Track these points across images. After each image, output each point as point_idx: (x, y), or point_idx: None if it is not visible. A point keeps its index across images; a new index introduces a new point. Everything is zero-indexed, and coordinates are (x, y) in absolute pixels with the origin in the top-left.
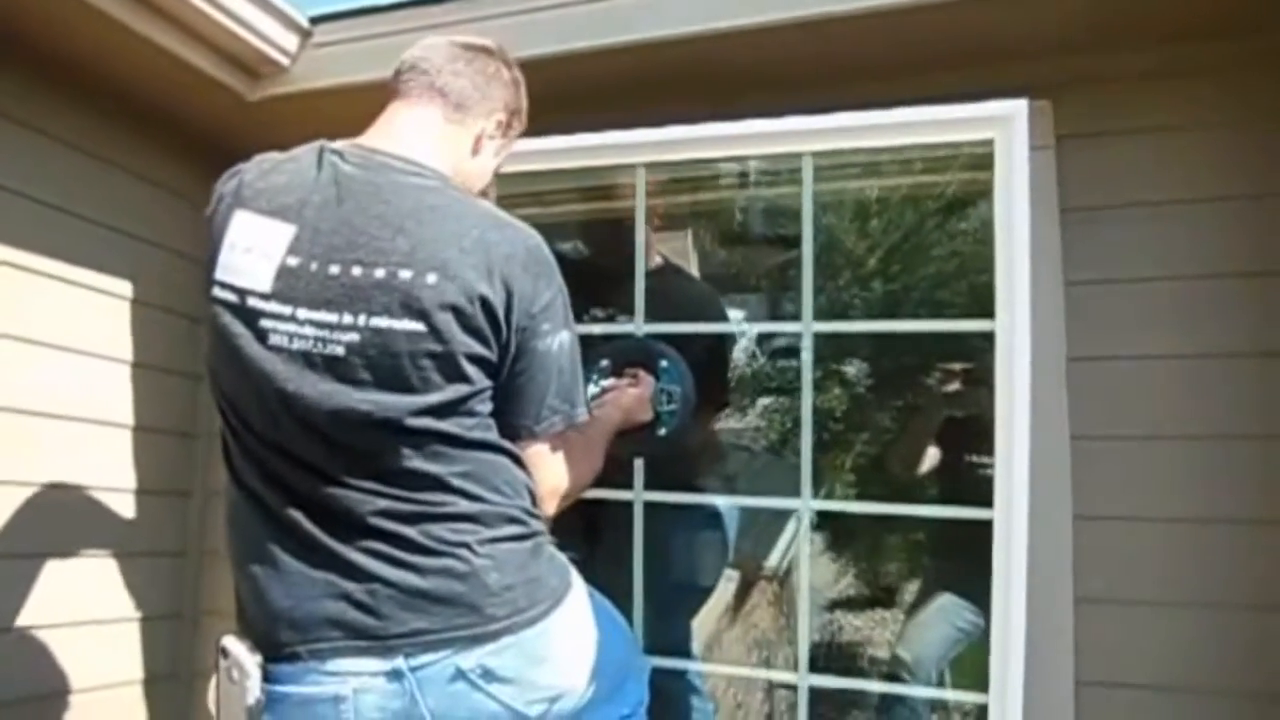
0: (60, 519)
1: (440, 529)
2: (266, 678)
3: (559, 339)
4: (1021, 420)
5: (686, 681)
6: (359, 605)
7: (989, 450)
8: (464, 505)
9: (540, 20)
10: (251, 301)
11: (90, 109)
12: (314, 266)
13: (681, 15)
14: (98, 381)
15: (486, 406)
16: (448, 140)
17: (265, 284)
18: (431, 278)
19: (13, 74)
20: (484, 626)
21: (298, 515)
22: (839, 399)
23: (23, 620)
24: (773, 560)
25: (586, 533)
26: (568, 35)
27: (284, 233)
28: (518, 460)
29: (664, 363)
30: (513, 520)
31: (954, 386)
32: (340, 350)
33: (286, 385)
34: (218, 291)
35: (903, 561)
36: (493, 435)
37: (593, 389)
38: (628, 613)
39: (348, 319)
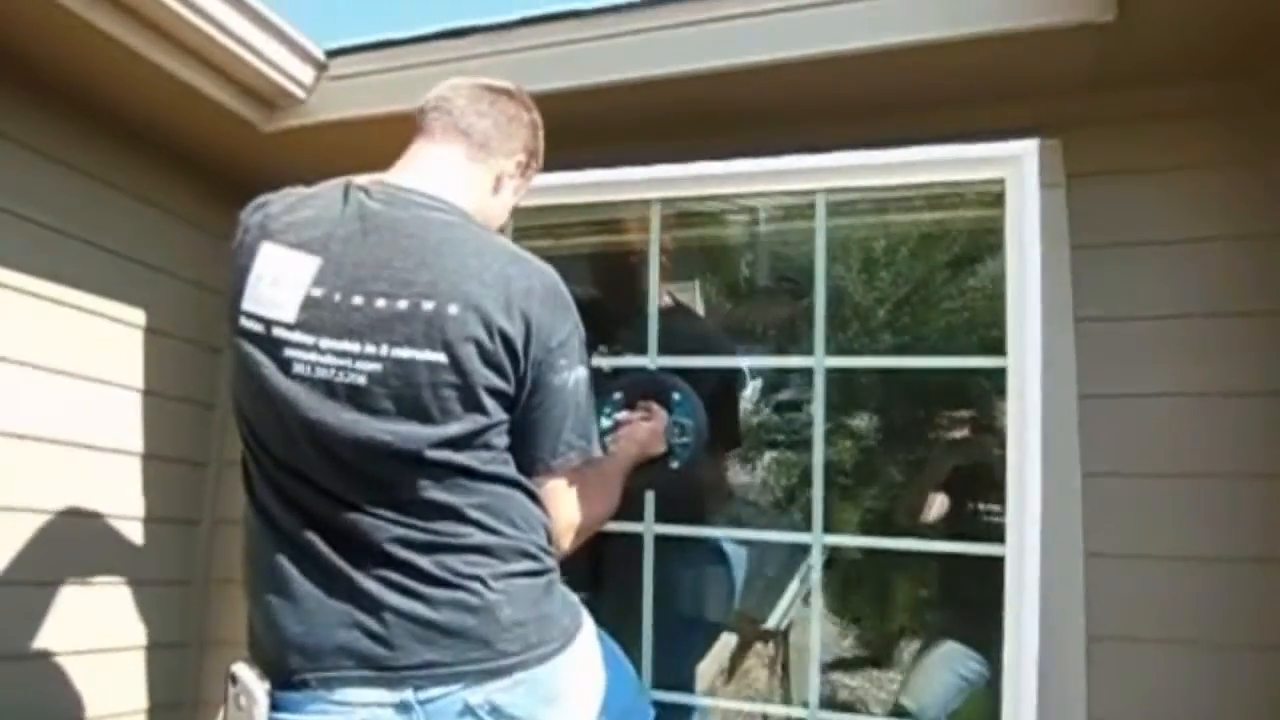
0: (69, 546)
1: (454, 560)
2: (275, 706)
3: (575, 374)
4: (1033, 455)
5: None
6: (371, 635)
7: (996, 497)
8: (479, 537)
9: (555, 55)
10: (277, 332)
11: (107, 139)
12: (338, 298)
13: (692, 52)
14: (109, 409)
15: (503, 440)
16: (470, 179)
17: (290, 315)
18: (454, 309)
19: (30, 104)
20: (495, 661)
21: (314, 539)
22: (848, 451)
23: (31, 647)
24: (771, 621)
25: (593, 570)
26: (580, 71)
27: (310, 265)
28: (533, 496)
29: (676, 395)
30: (527, 555)
31: (961, 434)
32: (362, 380)
33: (309, 414)
34: (244, 322)
35: (904, 619)
36: (509, 470)
37: (606, 422)
38: (636, 647)
39: (370, 349)
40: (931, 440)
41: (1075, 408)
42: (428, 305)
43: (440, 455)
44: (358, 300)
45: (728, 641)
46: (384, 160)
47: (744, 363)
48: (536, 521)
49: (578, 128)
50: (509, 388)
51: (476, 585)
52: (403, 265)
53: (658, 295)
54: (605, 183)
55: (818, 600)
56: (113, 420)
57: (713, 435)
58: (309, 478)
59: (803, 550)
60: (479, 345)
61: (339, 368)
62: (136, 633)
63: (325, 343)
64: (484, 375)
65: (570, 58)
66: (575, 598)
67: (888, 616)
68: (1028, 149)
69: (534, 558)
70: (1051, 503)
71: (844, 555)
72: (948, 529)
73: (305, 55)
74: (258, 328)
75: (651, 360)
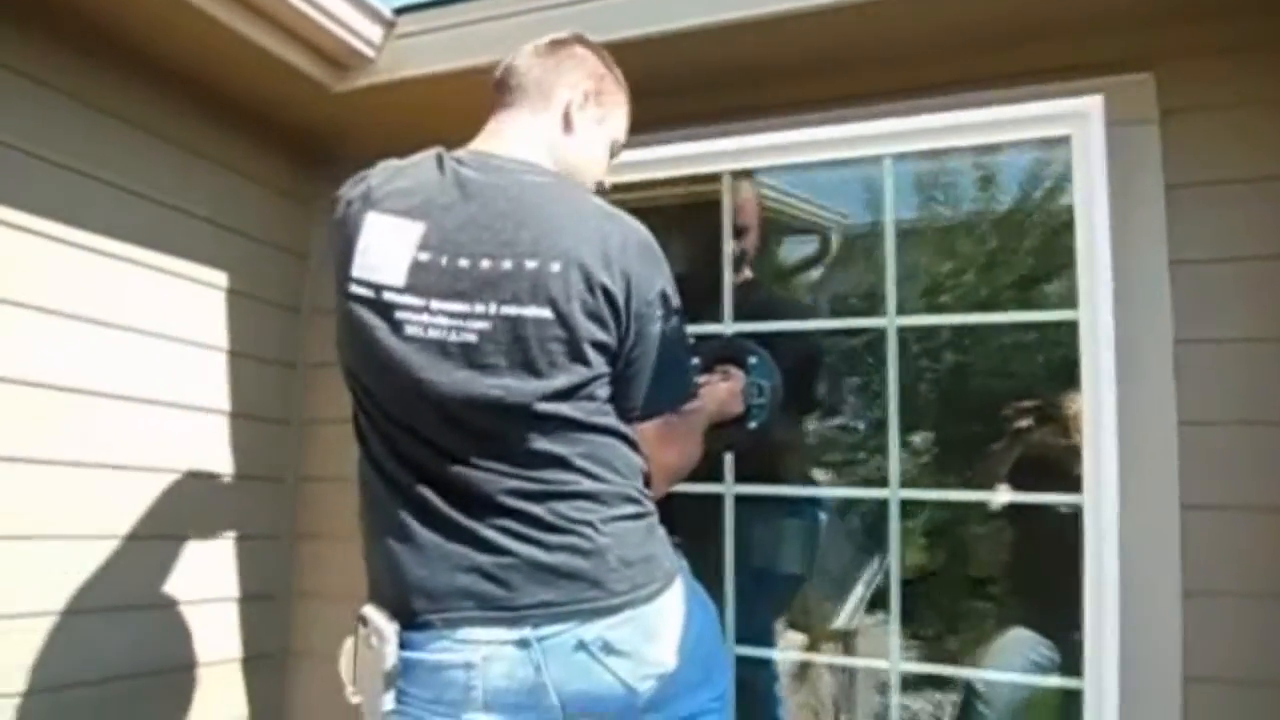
0: (161, 503)
1: (565, 507)
2: (402, 645)
3: (671, 324)
4: (1108, 405)
5: (770, 671)
6: (490, 577)
7: (1064, 486)
8: (586, 484)
9: (627, 2)
10: (387, 296)
11: (184, 103)
12: (444, 261)
13: None
14: (197, 368)
15: (605, 391)
16: (540, 130)
17: (400, 279)
18: (556, 266)
19: (112, 71)
20: (606, 600)
21: (429, 493)
22: (911, 468)
23: (135, 598)
24: (839, 622)
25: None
26: (645, 19)
27: (414, 230)
28: (633, 445)
29: (753, 359)
30: (630, 500)
31: (1025, 423)
32: (473, 338)
33: (422, 373)
34: (354, 288)
35: (969, 630)
36: (611, 419)
37: None
38: (718, 602)
39: (479, 308)
40: (995, 444)
41: (1170, 354)
42: (531, 264)
43: (548, 407)
44: (464, 263)
45: (795, 640)
46: (455, 116)
47: (815, 325)
48: (637, 468)
49: (648, 84)
50: (611, 340)
51: (587, 530)
52: (503, 227)
53: (739, 269)
54: (676, 157)
55: (896, 555)
56: (200, 380)
57: (791, 400)
58: (422, 434)
59: (868, 552)
60: (581, 300)
61: (451, 327)
62: (229, 585)
63: (435, 304)
64: (587, 329)
65: (635, 5)
66: (670, 541)
67: (952, 626)
68: (1093, 105)
69: (637, 502)
70: (1144, 453)
71: (913, 563)
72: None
73: (374, 14)
74: (368, 293)
75: (727, 327)
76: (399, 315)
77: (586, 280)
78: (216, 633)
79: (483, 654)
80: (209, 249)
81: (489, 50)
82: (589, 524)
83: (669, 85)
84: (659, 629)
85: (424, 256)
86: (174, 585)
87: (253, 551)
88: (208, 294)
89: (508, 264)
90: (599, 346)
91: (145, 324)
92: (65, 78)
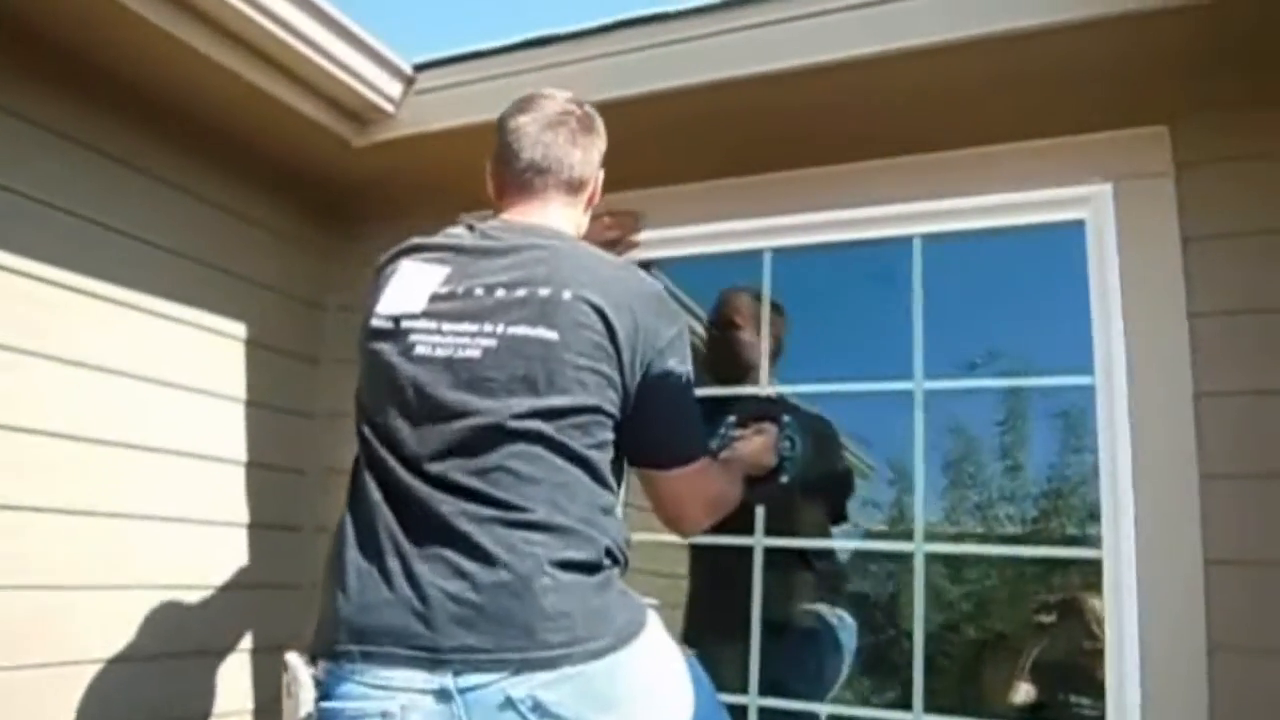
0: (177, 553)
1: (514, 536)
2: (325, 693)
3: (685, 374)
4: (1124, 463)
5: None
6: (415, 613)
7: (1085, 688)
8: (542, 514)
9: (641, 60)
10: (405, 323)
11: (203, 156)
12: (462, 290)
13: (775, 51)
14: (212, 419)
15: (604, 433)
16: (572, 212)
17: (418, 307)
18: (567, 294)
19: (133, 124)
20: (537, 652)
21: (389, 516)
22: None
23: (150, 650)
24: None
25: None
26: (663, 74)
27: (440, 271)
28: (608, 488)
29: (786, 417)
30: (588, 542)
31: (1048, 619)
32: (476, 353)
33: (425, 386)
34: (374, 323)
35: None
36: (596, 457)
37: (716, 442)
38: (743, 655)
39: (488, 328)
40: (1018, 629)
41: (1191, 408)
42: (544, 291)
43: (533, 425)
44: (479, 291)
45: None
46: (474, 170)
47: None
48: (613, 524)
49: (655, 135)
50: (613, 374)
51: (528, 565)
52: (521, 264)
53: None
54: (715, 234)
55: (920, 631)
56: (217, 429)
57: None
58: (405, 450)
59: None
60: (588, 327)
61: (458, 345)
62: (246, 637)
63: (447, 325)
64: (591, 356)
65: (656, 60)
66: (644, 602)
67: None
68: (1102, 192)
69: (595, 546)
70: (1165, 507)
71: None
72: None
73: (394, 70)
74: (387, 325)
75: (762, 388)
76: (412, 338)
77: (597, 312)
78: (230, 680)
79: (400, 703)
80: (230, 301)
81: (506, 102)
82: (533, 558)
83: (685, 140)
84: (613, 696)
85: (444, 289)
86: (188, 637)
87: (270, 601)
88: (226, 344)
89: (522, 292)
90: (600, 376)
91: (164, 374)
92: (85, 130)
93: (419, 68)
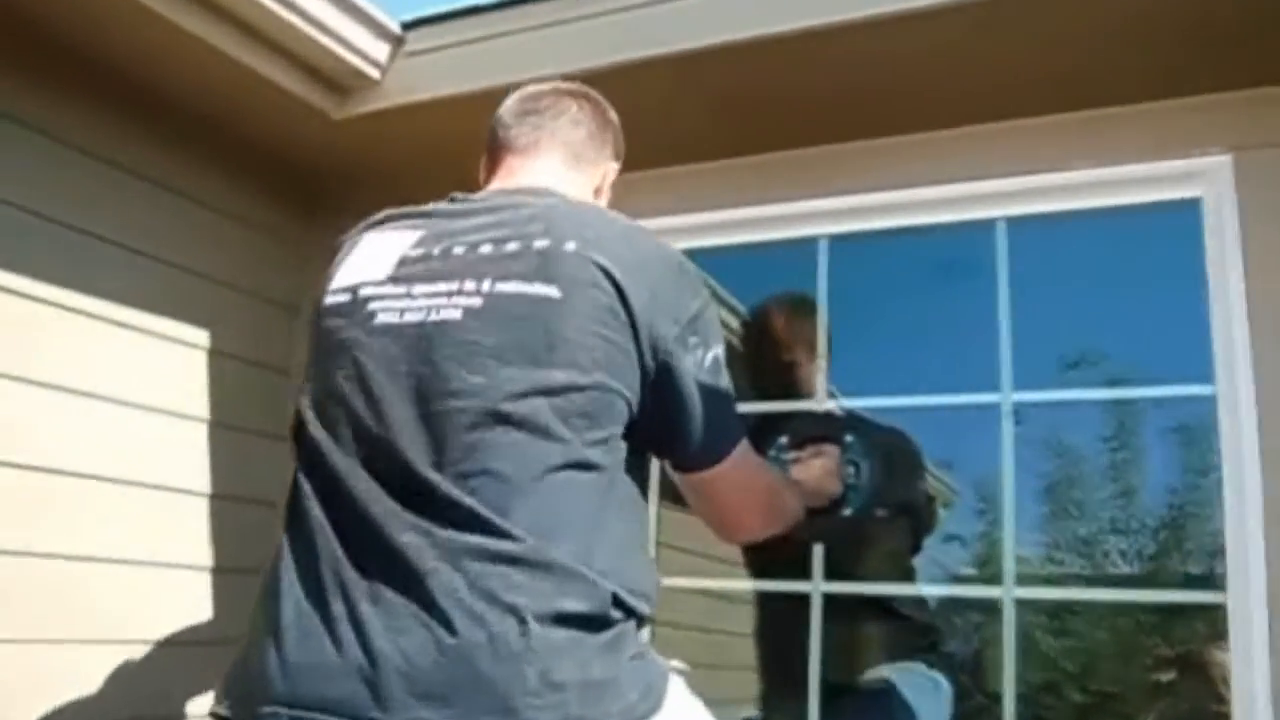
0: (125, 602)
1: (492, 576)
2: None
3: (713, 354)
4: (1253, 488)
5: None
6: (363, 679)
7: None
8: (530, 544)
9: (655, 15)
10: (364, 291)
11: (158, 135)
12: (436, 250)
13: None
14: (168, 442)
15: (615, 423)
16: (571, 182)
17: (382, 274)
18: (571, 245)
19: (71, 93)
20: None
21: (333, 543)
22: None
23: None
24: None
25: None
26: (694, 30)
27: (409, 236)
28: (623, 510)
29: (849, 437)
30: (593, 594)
31: (1167, 677)
32: (456, 314)
33: (390, 363)
34: (328, 300)
35: None
36: (608, 465)
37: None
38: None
39: (469, 285)
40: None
41: None
42: (541, 243)
43: (526, 407)
44: (458, 250)
45: None
46: (473, 146)
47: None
48: (631, 562)
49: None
50: (630, 348)
51: (509, 622)
52: (512, 219)
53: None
54: (760, 219)
55: (1010, 694)
56: (174, 456)
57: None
58: (352, 449)
59: None
60: (596, 285)
61: (430, 307)
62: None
63: (420, 288)
64: (601, 322)
65: (671, 17)
66: (666, 666)
67: None
68: (1219, 165)
69: (602, 599)
70: None
71: None
72: None
73: (379, 29)
74: (342, 299)
75: (820, 402)
76: (372, 306)
77: (603, 269)
78: None
79: None
80: (187, 301)
81: (514, 70)
82: (514, 612)
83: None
84: None
85: (415, 252)
86: (139, 700)
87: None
88: (185, 355)
89: (513, 245)
90: (614, 348)
91: (109, 389)
92: (12, 100)
93: (407, 26)
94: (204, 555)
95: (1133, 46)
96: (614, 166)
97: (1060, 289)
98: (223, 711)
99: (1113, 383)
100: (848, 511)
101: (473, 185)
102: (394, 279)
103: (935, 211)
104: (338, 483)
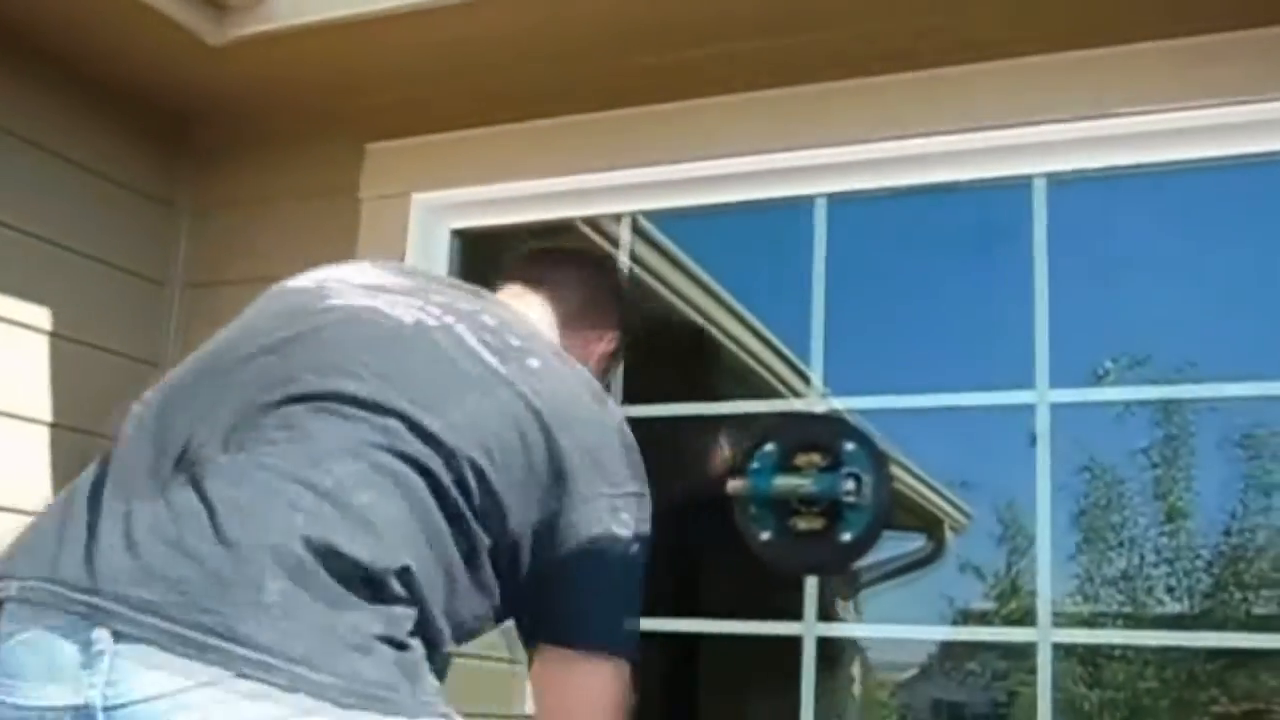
0: None
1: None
2: None
3: (634, 545)
4: None
5: None
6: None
7: None
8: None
9: None
10: (329, 285)
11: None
12: (419, 295)
13: None
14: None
15: (480, 536)
16: (561, 337)
17: (354, 281)
18: (534, 363)
19: None
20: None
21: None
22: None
23: None
24: None
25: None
26: None
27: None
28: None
29: (849, 445)
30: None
31: None
32: (409, 319)
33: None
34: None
35: None
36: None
37: (739, 483)
38: None
39: (433, 309)
40: None
41: None
42: (515, 341)
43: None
44: (437, 300)
45: None
46: (385, 82)
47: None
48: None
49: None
50: (536, 469)
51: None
52: (496, 314)
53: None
54: (743, 174)
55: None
56: (6, 463)
57: None
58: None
59: None
60: (533, 412)
61: (392, 303)
62: None
63: (385, 296)
64: (519, 425)
65: None
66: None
67: None
68: None
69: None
70: None
71: None
72: None
73: None
74: (303, 283)
75: (814, 400)
76: (327, 294)
77: (551, 408)
78: None
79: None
80: (23, 275)
81: None
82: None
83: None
84: None
85: (397, 282)
86: None
87: None
88: (21, 339)
89: (490, 320)
90: (511, 452)
91: None
92: None
93: None
94: None
95: None
96: (613, 339)
97: (1105, 265)
98: None
99: (1162, 381)
100: (847, 536)
101: (379, 134)
102: (365, 287)
103: (958, 166)
104: None
